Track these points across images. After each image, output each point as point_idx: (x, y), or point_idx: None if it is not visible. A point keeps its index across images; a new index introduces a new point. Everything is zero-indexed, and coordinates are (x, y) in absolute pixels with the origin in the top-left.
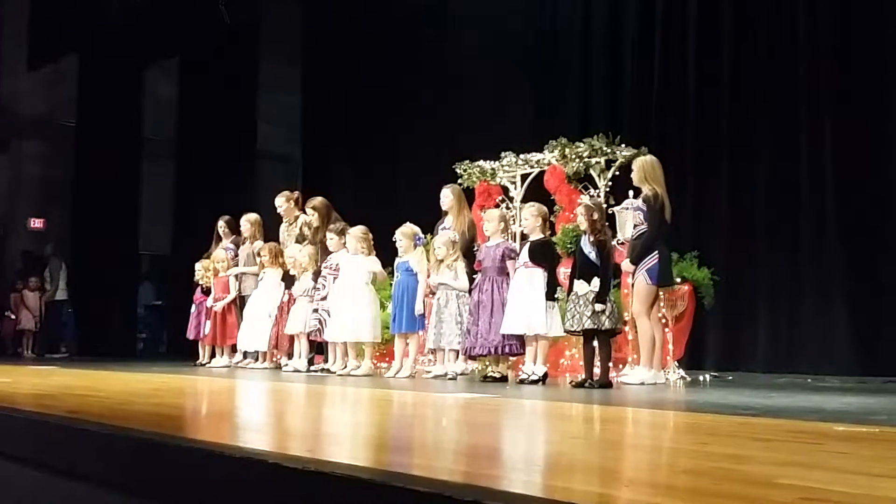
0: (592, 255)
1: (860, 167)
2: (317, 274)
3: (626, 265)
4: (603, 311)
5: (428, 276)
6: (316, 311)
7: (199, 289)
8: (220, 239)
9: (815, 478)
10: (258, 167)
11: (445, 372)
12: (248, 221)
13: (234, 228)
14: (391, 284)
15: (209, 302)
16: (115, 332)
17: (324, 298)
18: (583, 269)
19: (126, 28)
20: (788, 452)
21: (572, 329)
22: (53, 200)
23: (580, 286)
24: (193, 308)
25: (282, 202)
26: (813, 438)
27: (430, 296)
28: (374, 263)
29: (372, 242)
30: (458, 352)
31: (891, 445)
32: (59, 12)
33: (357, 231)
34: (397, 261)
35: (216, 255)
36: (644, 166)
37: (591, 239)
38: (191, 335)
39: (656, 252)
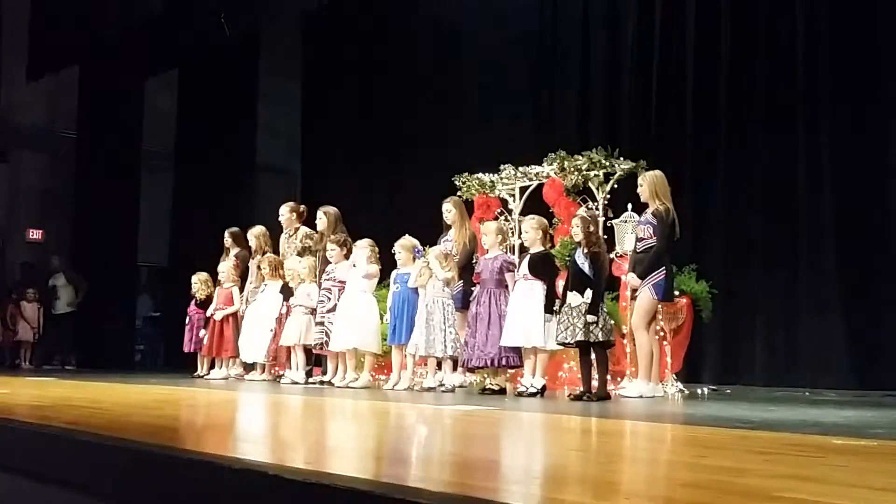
0: (586, 267)
1: (858, 180)
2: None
3: (631, 278)
4: (595, 323)
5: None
6: (321, 323)
7: (193, 301)
8: (227, 251)
9: (815, 491)
10: (257, 179)
11: (441, 382)
12: (253, 236)
13: (240, 240)
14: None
15: (209, 311)
16: (113, 344)
17: (329, 311)
18: (576, 281)
19: (126, 40)
20: (788, 465)
21: (565, 341)
22: (52, 211)
23: (573, 298)
24: (188, 320)
25: (286, 211)
26: (812, 451)
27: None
28: (368, 269)
29: (378, 255)
30: (449, 361)
31: (889, 458)
32: (59, 24)
33: (363, 243)
34: (395, 273)
35: (220, 267)
36: (655, 181)
37: (586, 251)
38: (186, 348)
39: (664, 267)
